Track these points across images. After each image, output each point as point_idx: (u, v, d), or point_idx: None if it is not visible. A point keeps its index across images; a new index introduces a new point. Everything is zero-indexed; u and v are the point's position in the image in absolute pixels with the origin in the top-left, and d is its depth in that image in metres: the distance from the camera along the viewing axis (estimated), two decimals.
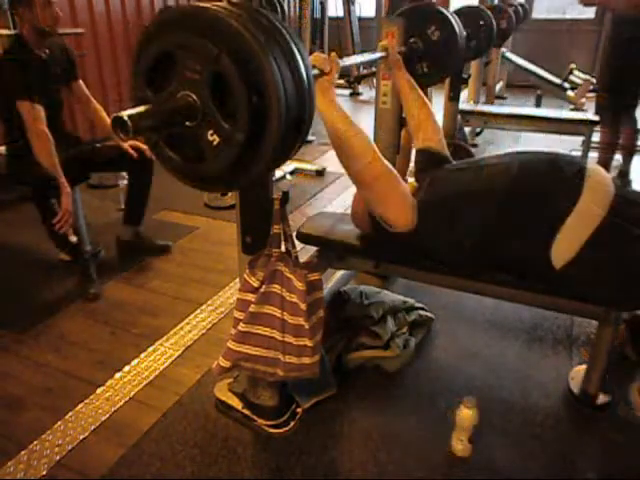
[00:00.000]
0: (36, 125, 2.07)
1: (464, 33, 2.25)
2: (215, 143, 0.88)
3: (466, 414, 1.37)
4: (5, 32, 3.08)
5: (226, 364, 1.36)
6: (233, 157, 0.88)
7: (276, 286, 1.30)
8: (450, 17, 2.14)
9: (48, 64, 2.21)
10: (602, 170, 1.43)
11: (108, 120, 2.34)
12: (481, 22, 3.04)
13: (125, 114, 0.77)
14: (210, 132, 0.88)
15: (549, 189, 1.38)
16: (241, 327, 1.33)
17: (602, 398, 1.58)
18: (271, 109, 0.84)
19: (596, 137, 3.54)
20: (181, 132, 0.90)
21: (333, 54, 1.31)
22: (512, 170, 1.43)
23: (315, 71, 1.25)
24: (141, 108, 0.82)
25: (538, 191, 1.38)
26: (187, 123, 0.88)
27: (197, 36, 0.85)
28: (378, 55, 1.84)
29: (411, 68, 2.02)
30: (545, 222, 1.34)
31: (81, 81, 2.43)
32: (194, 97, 0.87)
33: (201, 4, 0.88)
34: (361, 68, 6.97)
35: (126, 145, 2.29)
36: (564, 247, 1.33)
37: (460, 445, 1.40)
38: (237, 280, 1.50)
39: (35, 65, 2.15)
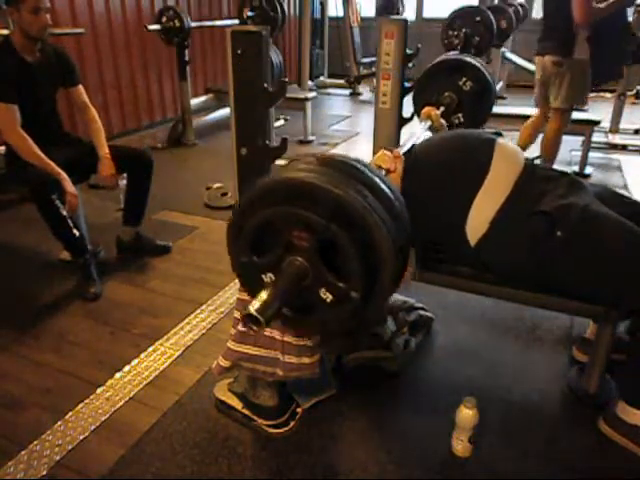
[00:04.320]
0: (7, 126, 2.11)
1: (493, 79, 2.35)
2: (329, 300, 0.87)
3: (466, 414, 1.37)
4: (6, 32, 3.07)
5: (226, 364, 1.36)
6: (350, 312, 0.87)
7: None
8: (480, 67, 2.25)
9: (34, 68, 2.21)
10: (510, 143, 1.53)
11: (101, 131, 2.38)
12: (480, 22, 3.06)
13: (254, 311, 0.77)
14: (322, 290, 0.87)
15: (461, 161, 1.48)
16: (241, 327, 1.33)
17: (602, 398, 1.58)
18: (383, 263, 0.84)
19: (596, 137, 3.54)
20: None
21: (396, 151, 1.37)
22: (434, 147, 1.57)
23: (383, 171, 1.29)
24: (263, 297, 0.81)
25: (452, 164, 1.48)
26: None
27: (302, 208, 0.84)
28: (426, 125, 2.03)
29: (447, 121, 2.17)
30: (460, 195, 1.43)
31: (81, 87, 2.41)
32: (302, 260, 0.86)
33: (297, 175, 0.87)
34: (361, 68, 6.98)
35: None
36: (477, 221, 1.42)
37: (460, 445, 1.40)
38: (237, 280, 1.50)
39: (18, 68, 2.15)
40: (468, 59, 2.26)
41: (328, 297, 0.87)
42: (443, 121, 2.07)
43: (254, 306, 0.78)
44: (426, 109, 2.10)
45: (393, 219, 0.87)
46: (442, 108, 2.16)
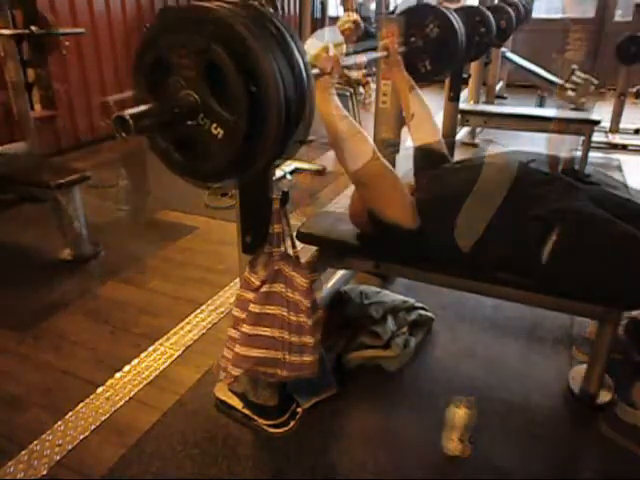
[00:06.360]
0: None
1: (462, 27, 2.28)
2: (220, 136, 0.90)
3: (465, 414, 1.37)
4: (6, 32, 3.07)
5: (237, 372, 1.33)
6: (238, 147, 0.89)
7: (278, 285, 1.30)
8: (447, 13, 2.20)
9: None
10: (501, 149, 1.50)
11: None
12: (480, 22, 3.05)
13: (127, 113, 0.78)
14: (214, 126, 0.90)
15: (459, 182, 1.46)
16: (247, 330, 1.31)
17: (602, 398, 1.58)
18: (269, 98, 0.86)
19: (596, 137, 3.54)
20: (186, 132, 0.92)
21: (335, 54, 1.32)
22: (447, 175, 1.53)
23: (315, 70, 1.25)
24: (143, 107, 0.83)
25: (453, 187, 1.46)
26: (189, 122, 0.89)
27: (186, 32, 0.87)
28: (379, 54, 1.85)
29: (413, 67, 2.03)
30: (449, 202, 1.42)
31: None
32: (194, 95, 0.88)
33: (197, 3, 0.90)
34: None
35: None
36: (470, 227, 1.40)
37: (459, 445, 1.40)
38: (237, 280, 1.50)
39: None
40: (437, 6, 2.27)
41: (219, 132, 0.90)
42: (399, 57, 1.88)
43: (130, 111, 0.79)
44: (388, 39, 1.88)
45: (293, 75, 0.89)
46: (403, 48, 2.04)
